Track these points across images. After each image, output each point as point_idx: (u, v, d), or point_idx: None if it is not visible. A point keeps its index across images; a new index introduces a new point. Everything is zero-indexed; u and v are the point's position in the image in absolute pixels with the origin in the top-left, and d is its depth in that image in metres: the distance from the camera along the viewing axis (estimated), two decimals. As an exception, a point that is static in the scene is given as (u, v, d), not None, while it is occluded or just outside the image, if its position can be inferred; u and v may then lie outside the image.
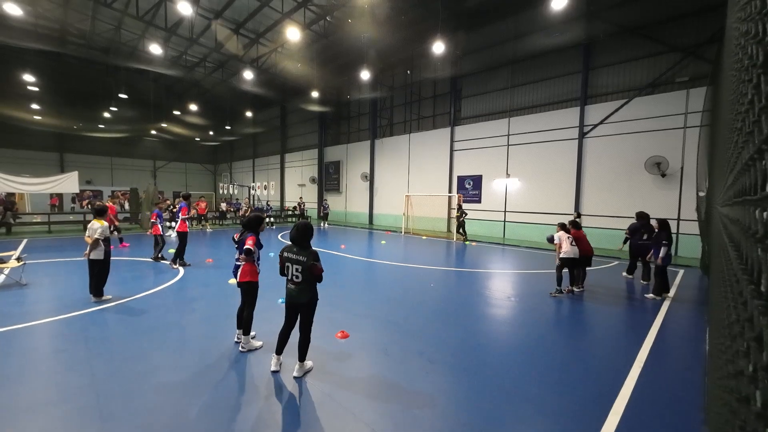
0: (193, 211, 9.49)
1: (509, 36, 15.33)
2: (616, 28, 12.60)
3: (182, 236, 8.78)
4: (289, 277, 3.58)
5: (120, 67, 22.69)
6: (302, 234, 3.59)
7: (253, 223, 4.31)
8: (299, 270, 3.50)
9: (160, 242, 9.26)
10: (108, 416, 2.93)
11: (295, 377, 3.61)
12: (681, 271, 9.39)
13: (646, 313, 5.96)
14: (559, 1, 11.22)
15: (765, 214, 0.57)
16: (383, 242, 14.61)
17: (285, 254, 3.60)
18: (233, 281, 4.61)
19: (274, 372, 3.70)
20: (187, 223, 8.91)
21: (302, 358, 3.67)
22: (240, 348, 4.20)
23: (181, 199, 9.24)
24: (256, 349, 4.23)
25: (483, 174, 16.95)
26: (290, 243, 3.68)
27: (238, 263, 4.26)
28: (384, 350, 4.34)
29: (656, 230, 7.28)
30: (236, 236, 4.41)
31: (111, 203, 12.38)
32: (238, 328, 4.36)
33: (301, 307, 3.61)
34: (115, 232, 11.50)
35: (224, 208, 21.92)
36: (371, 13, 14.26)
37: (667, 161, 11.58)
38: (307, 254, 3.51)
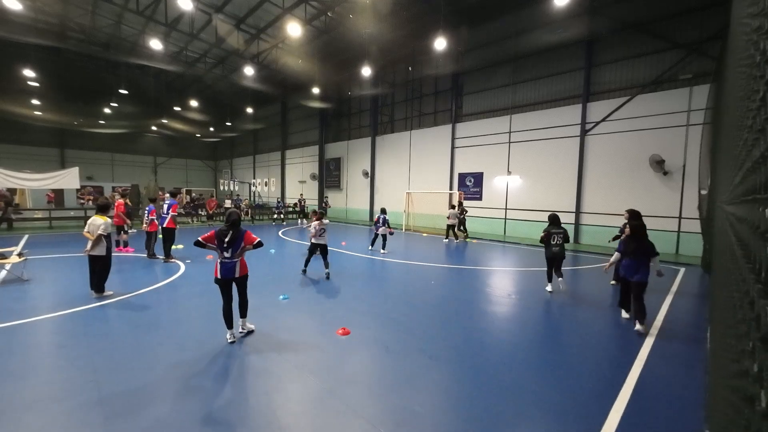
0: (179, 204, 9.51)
1: (511, 32, 15.22)
2: (619, 25, 12.50)
3: (169, 232, 8.90)
4: (553, 242, 6.53)
5: (120, 62, 22.63)
6: (556, 219, 6.68)
7: (239, 219, 4.41)
8: (560, 236, 6.51)
9: (153, 239, 9.26)
10: (110, 412, 2.94)
11: None
12: (682, 269, 9.38)
13: (647, 311, 5.94)
14: (561, -3, 11.12)
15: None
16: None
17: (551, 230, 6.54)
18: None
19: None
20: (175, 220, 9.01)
21: None
22: (240, 329, 4.47)
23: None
24: (251, 331, 4.60)
25: (484, 171, 16.91)
26: (550, 224, 6.66)
27: (234, 260, 4.29)
28: (385, 347, 4.35)
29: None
30: (202, 237, 4.22)
31: (121, 200, 10.86)
32: (230, 328, 4.35)
33: (563, 258, 6.62)
34: (124, 234, 10.38)
35: (230, 205, 21.96)
36: (372, 8, 14.17)
37: (668, 159, 11.53)
38: (563, 230, 6.51)
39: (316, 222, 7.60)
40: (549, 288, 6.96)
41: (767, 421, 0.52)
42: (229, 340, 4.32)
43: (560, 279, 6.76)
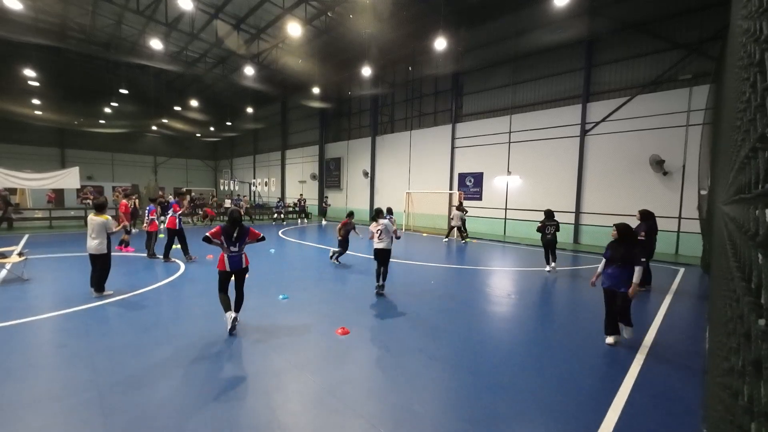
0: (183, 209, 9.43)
1: (511, 32, 15.23)
2: (619, 25, 12.51)
3: (170, 232, 8.99)
4: (547, 232, 8.27)
5: (120, 62, 22.66)
6: (550, 213, 8.32)
7: (240, 217, 4.69)
8: (553, 227, 8.26)
9: (153, 238, 9.33)
10: (109, 410, 2.95)
11: None
12: (682, 269, 9.39)
13: (646, 311, 5.96)
14: (561, -3, 11.13)
15: (756, 211, 0.58)
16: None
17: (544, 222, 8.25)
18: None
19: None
20: (177, 219, 9.01)
21: None
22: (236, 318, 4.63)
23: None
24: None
25: (484, 171, 16.92)
26: (545, 217, 8.35)
27: (240, 253, 4.67)
28: (384, 346, 4.36)
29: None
30: (210, 233, 4.44)
31: (125, 201, 10.79)
32: (227, 310, 4.58)
33: (554, 244, 8.34)
34: (126, 234, 10.28)
35: (230, 205, 22.03)
36: (372, 8, 14.18)
37: (668, 159, 11.54)
38: (555, 222, 8.32)
39: (372, 224, 6.65)
40: (547, 268, 8.63)
41: (748, 416, 0.53)
42: (229, 322, 4.48)
43: (553, 264, 8.58)
